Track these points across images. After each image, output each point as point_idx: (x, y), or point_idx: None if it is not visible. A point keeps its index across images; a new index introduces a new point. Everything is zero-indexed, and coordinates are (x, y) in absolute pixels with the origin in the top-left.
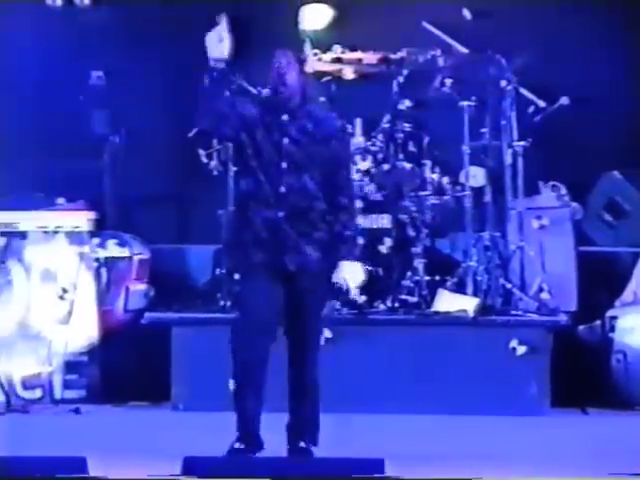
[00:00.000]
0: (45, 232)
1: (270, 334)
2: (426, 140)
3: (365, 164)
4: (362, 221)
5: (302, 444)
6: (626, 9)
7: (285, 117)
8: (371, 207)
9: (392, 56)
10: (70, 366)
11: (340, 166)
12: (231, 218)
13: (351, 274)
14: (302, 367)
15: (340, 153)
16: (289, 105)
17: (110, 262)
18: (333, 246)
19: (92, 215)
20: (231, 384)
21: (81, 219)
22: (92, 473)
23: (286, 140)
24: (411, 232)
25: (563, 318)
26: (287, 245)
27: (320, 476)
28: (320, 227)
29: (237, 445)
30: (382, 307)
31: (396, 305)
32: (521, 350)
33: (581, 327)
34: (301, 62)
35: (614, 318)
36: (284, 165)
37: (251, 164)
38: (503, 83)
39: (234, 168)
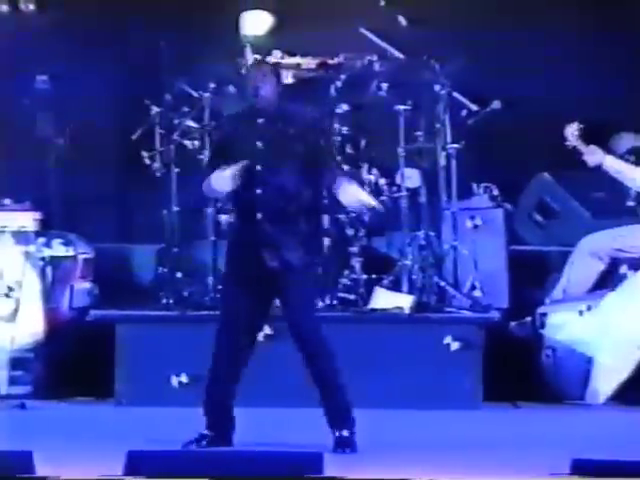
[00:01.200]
0: None
1: (252, 335)
2: (363, 143)
3: None
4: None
5: (344, 433)
6: (554, 12)
7: (260, 121)
8: None
9: (330, 61)
10: (16, 362)
11: (320, 154)
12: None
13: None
14: (316, 359)
15: (317, 142)
16: (264, 111)
17: (55, 261)
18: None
19: (38, 215)
20: (174, 380)
21: (27, 219)
22: (38, 466)
23: (259, 143)
24: (349, 231)
25: (495, 315)
26: (267, 245)
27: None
28: (300, 223)
29: (205, 431)
30: (320, 304)
31: (334, 302)
32: (455, 346)
33: (512, 323)
34: (276, 71)
35: (544, 315)
36: (258, 167)
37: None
38: (437, 87)
39: (176, 169)
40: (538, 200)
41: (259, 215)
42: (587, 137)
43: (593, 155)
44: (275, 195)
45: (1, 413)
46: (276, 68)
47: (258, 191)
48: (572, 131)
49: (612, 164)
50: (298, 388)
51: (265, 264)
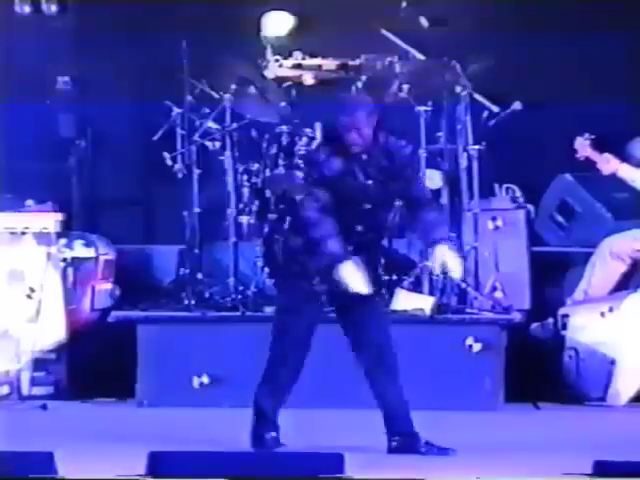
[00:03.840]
0: (13, 233)
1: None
2: None
3: None
4: None
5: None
6: (576, 15)
7: (364, 157)
8: None
9: (351, 62)
10: (38, 363)
11: (416, 183)
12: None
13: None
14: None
15: (414, 175)
16: (365, 149)
17: (77, 262)
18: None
19: (59, 216)
20: (195, 381)
21: (49, 220)
22: (59, 468)
23: (370, 181)
24: None
25: (516, 316)
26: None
27: (285, 470)
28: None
29: (273, 434)
30: None
31: None
32: (476, 347)
33: (534, 325)
34: (372, 110)
35: (566, 316)
36: (366, 205)
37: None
38: (458, 89)
39: (198, 170)
40: (560, 201)
41: (351, 248)
42: (603, 144)
43: (607, 164)
44: (372, 231)
45: (23, 414)
46: (371, 104)
47: (359, 228)
48: (582, 142)
49: (627, 172)
50: (321, 387)
51: (349, 297)
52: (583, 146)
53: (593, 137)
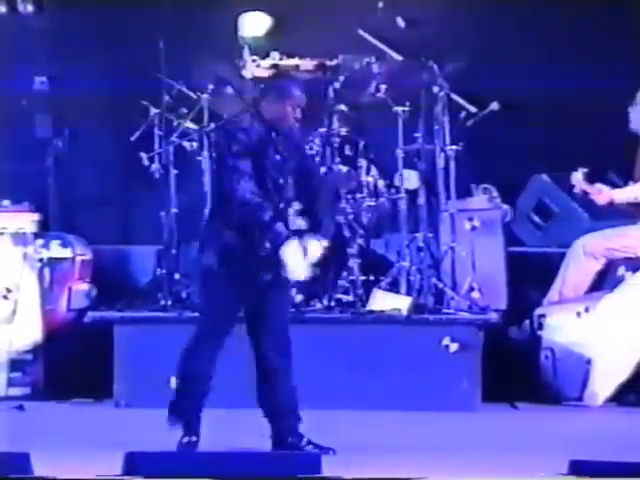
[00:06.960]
0: None
1: (226, 336)
2: (362, 144)
3: None
4: (300, 222)
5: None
6: (552, 16)
7: (277, 136)
8: None
9: (328, 63)
10: (14, 364)
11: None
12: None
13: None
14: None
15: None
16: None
17: (53, 262)
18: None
19: (36, 217)
20: (172, 381)
21: (25, 221)
22: (35, 468)
23: (278, 157)
24: (347, 233)
25: (493, 316)
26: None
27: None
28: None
29: (187, 439)
30: (318, 306)
31: (332, 304)
32: (453, 347)
33: (511, 328)
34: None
35: (542, 316)
36: (281, 181)
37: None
38: (435, 89)
39: (175, 171)
40: (536, 201)
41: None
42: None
43: (600, 194)
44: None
45: None
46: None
47: (282, 205)
48: (578, 177)
49: (622, 195)
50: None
51: (268, 276)
52: (579, 180)
53: (586, 170)
